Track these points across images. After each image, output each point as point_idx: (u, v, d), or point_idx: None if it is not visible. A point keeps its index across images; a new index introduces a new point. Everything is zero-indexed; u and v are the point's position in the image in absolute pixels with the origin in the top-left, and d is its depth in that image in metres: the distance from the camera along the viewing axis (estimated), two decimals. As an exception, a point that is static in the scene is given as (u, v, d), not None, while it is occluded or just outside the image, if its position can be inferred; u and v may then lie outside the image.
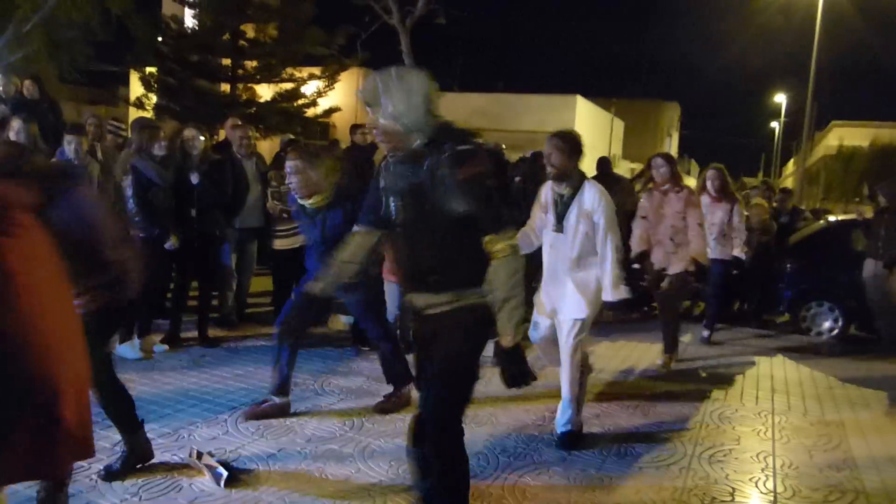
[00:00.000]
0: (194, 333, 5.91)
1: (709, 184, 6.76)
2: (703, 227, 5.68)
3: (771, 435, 4.50)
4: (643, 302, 8.11)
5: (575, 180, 4.03)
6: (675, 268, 5.70)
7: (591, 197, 4.00)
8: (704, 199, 6.56)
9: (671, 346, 5.97)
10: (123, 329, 5.37)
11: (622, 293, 3.99)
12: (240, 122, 6.72)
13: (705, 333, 7.00)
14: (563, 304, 4.02)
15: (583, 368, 4.12)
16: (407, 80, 2.52)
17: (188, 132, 5.85)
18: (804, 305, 7.88)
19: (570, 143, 4.00)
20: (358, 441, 3.94)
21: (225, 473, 3.33)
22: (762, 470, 3.92)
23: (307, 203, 4.32)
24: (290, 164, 4.23)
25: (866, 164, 27.24)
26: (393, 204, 2.64)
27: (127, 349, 5.33)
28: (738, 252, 6.64)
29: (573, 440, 4.05)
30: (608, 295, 3.99)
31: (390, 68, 2.53)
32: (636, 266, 5.98)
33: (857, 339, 7.71)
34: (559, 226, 4.04)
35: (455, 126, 2.65)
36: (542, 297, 4.18)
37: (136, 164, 5.44)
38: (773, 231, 8.46)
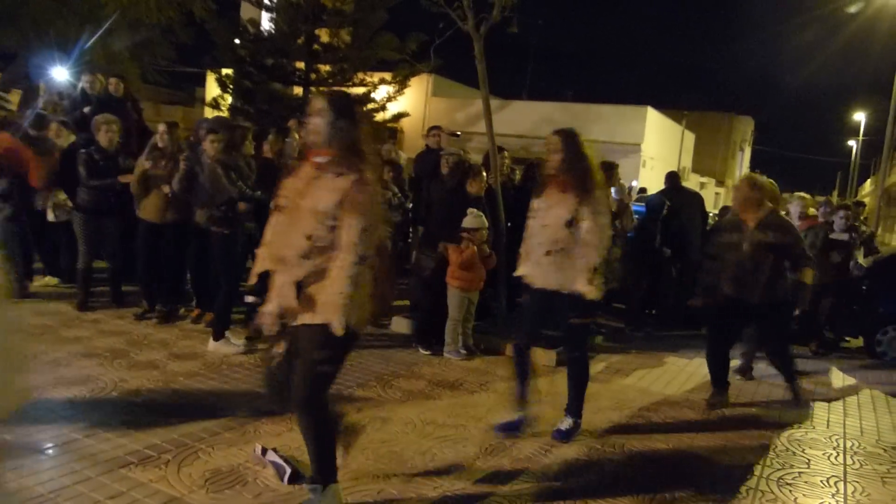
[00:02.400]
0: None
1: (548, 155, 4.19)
2: (357, 238, 2.86)
3: (842, 460, 4.36)
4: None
5: None
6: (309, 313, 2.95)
7: None
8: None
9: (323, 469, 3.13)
10: (216, 326, 5.55)
11: None
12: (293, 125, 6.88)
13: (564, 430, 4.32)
14: None
15: None
16: None
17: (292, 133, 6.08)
18: (880, 329, 7.59)
19: None
20: (420, 444, 3.94)
21: (289, 470, 3.37)
22: (832, 495, 3.81)
23: None
24: None
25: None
26: None
27: (223, 345, 5.48)
28: (583, 286, 3.99)
29: None
30: None
31: None
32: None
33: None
34: None
35: None
36: None
37: (226, 162, 5.62)
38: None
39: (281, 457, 3.48)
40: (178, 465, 3.44)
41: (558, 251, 4.05)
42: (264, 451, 3.56)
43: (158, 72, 18.85)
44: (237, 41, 14.62)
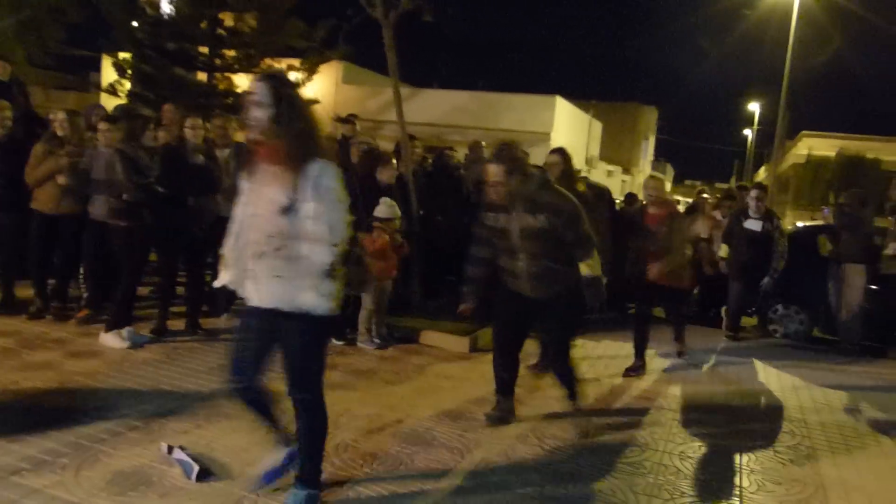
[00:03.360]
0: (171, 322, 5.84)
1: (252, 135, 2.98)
2: None
3: (738, 432, 4.61)
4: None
5: None
6: None
7: None
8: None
9: None
10: (110, 318, 5.33)
11: None
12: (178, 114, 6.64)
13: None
14: None
15: None
16: None
17: (190, 121, 5.84)
18: (771, 308, 8.06)
19: None
20: (332, 436, 3.90)
21: (196, 467, 3.28)
22: (729, 466, 4.02)
23: None
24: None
25: (833, 174, 27.90)
26: None
27: (112, 338, 5.25)
28: (312, 298, 2.88)
29: None
30: None
31: None
32: None
33: (820, 341, 7.88)
34: None
35: None
36: None
37: (126, 151, 5.36)
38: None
39: (188, 454, 3.38)
40: (77, 468, 3.28)
41: (275, 250, 2.85)
42: (170, 449, 3.44)
43: (47, 54, 17.75)
44: (135, 23, 13.94)
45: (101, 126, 5.48)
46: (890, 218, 7.92)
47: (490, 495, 3.40)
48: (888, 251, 7.24)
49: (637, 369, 5.85)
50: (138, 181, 5.34)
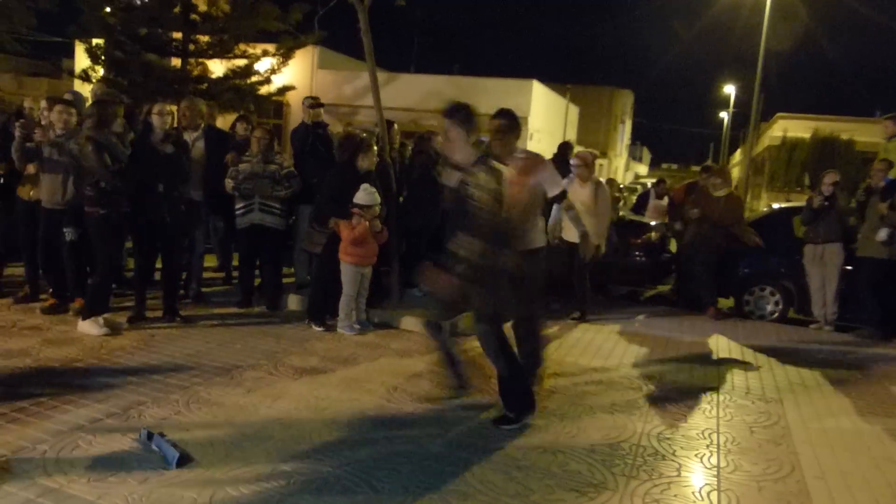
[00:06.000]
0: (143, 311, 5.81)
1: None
2: None
3: (716, 413, 4.65)
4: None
5: None
6: None
7: None
8: None
9: None
10: (87, 305, 5.30)
11: None
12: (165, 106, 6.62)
13: None
14: None
15: None
16: None
17: (157, 107, 5.78)
18: (747, 290, 8.15)
19: None
20: (313, 421, 3.92)
21: (176, 454, 3.28)
22: (707, 446, 4.05)
23: None
24: None
25: (807, 155, 28.14)
26: None
27: (90, 325, 5.22)
28: None
29: None
30: None
31: None
32: None
33: (796, 322, 7.99)
34: None
35: None
36: None
37: (97, 139, 5.30)
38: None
39: (168, 441, 3.38)
40: (57, 455, 3.27)
41: None
42: (150, 435, 3.44)
43: (19, 41, 17.43)
44: (107, 9, 13.70)
45: (56, 109, 5.51)
46: (880, 202, 7.65)
47: (466, 476, 3.44)
48: (880, 236, 7.07)
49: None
50: (114, 168, 5.28)
